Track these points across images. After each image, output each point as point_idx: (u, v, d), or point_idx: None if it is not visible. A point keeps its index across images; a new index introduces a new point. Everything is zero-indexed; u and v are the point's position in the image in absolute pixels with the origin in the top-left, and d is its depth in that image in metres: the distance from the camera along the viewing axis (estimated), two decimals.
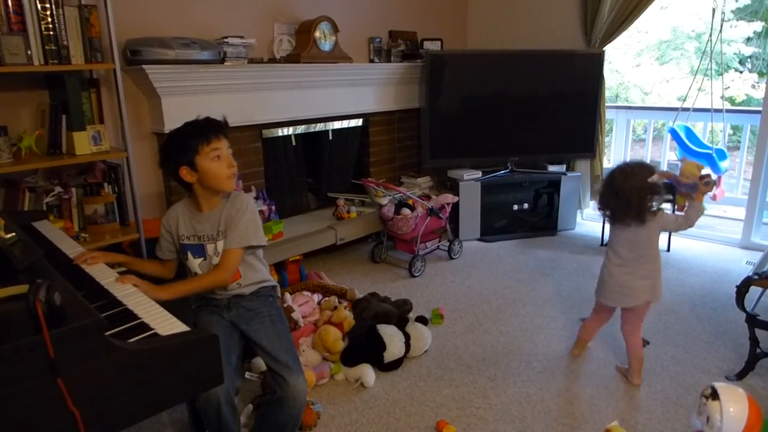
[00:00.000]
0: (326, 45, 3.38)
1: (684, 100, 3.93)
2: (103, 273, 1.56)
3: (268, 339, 1.74)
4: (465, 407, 2.14)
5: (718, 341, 2.58)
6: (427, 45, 4.25)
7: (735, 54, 8.02)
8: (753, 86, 8.00)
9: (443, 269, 3.53)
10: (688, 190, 2.14)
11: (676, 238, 3.76)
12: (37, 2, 2.17)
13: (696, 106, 3.92)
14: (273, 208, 3.29)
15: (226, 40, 2.95)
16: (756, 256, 3.30)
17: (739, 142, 4.99)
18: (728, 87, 7.65)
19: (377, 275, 3.46)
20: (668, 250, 3.71)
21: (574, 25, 4.13)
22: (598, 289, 2.31)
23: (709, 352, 2.49)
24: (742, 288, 2.18)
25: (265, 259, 1.91)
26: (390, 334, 2.41)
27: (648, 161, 4.47)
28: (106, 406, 1.05)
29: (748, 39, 8.05)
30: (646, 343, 2.23)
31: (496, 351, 2.54)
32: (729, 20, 7.39)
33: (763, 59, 8.05)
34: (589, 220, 4.44)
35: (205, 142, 1.65)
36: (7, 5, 2.10)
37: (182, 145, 1.66)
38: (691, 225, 2.14)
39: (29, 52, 2.17)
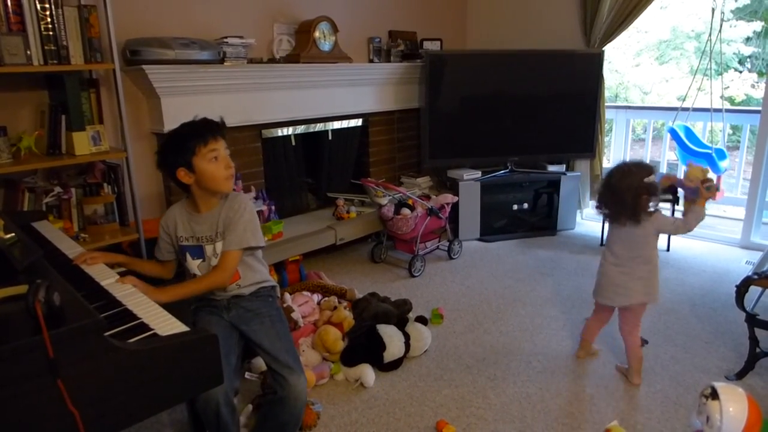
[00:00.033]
0: (326, 45, 3.38)
1: (683, 100, 3.93)
2: (102, 273, 1.56)
3: (268, 339, 1.74)
4: (465, 407, 2.14)
5: (717, 341, 2.58)
6: (427, 45, 4.25)
7: (734, 54, 8.02)
8: (752, 86, 8.01)
9: (443, 269, 3.53)
10: (692, 195, 2.12)
11: (675, 238, 3.76)
12: (37, 2, 2.17)
13: (695, 106, 3.93)
14: (272, 208, 3.29)
15: (225, 40, 2.95)
16: (755, 256, 3.30)
17: (739, 141, 5.00)
18: (728, 87, 7.66)
19: (377, 275, 3.46)
20: (668, 249, 3.71)
21: (573, 25, 4.13)
22: (595, 287, 2.32)
23: (709, 352, 2.49)
24: (742, 287, 2.18)
25: (264, 260, 1.91)
26: (390, 334, 2.41)
27: (648, 161, 4.48)
28: (105, 406, 1.05)
29: (748, 39, 8.06)
30: (644, 342, 2.24)
31: (495, 351, 2.54)
32: (728, 20, 7.40)
33: (763, 59, 8.06)
34: (588, 220, 4.44)
35: (202, 144, 1.64)
36: (6, 5, 2.10)
37: (179, 147, 1.65)
38: (689, 230, 2.13)
39: (29, 52, 2.17)
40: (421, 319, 2.66)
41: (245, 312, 1.79)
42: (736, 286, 2.20)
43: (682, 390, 2.22)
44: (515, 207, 4.12)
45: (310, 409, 2.02)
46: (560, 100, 4.01)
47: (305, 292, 2.81)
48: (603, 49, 3.98)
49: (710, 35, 3.65)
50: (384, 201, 3.55)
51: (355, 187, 3.91)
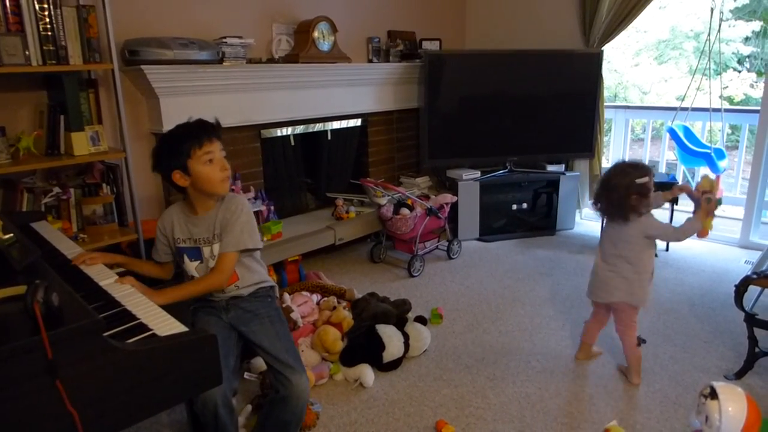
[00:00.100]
0: (325, 45, 3.38)
1: (683, 100, 3.93)
2: (101, 274, 1.56)
3: (268, 339, 1.73)
4: (464, 407, 2.14)
5: (716, 340, 2.58)
6: (426, 45, 4.25)
7: (733, 53, 8.03)
8: (751, 85, 8.02)
9: (442, 269, 3.53)
10: (698, 206, 2.10)
11: None
12: (35, 3, 2.16)
13: (694, 106, 3.93)
14: (272, 208, 3.29)
15: (224, 40, 2.95)
16: (755, 256, 3.30)
17: (738, 141, 5.00)
18: (727, 86, 7.67)
19: (376, 275, 3.46)
20: (667, 249, 3.71)
21: (572, 25, 4.13)
22: (588, 284, 2.34)
23: (708, 352, 2.49)
24: (741, 287, 2.18)
25: (263, 260, 1.91)
26: (389, 334, 2.41)
27: (647, 161, 4.49)
28: (104, 406, 1.05)
29: (747, 38, 8.07)
30: (642, 341, 2.23)
31: (495, 351, 2.54)
32: (727, 20, 7.41)
33: (762, 59, 8.07)
34: (587, 220, 4.45)
35: (197, 146, 1.62)
36: (5, 6, 2.10)
37: (174, 150, 1.64)
38: (678, 239, 2.14)
39: (27, 52, 2.17)
40: (421, 319, 2.66)
41: (244, 313, 1.79)
42: (735, 286, 2.20)
43: (681, 390, 2.22)
44: (514, 207, 4.12)
45: (310, 410, 2.02)
46: (559, 100, 4.01)
47: (304, 292, 2.81)
48: (602, 48, 3.98)
49: (709, 35, 3.65)
50: (383, 201, 3.55)
51: (355, 187, 3.91)
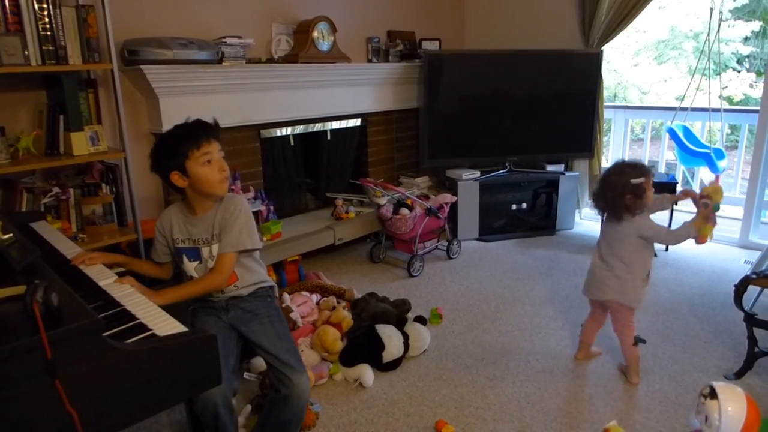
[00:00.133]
0: (324, 45, 3.38)
1: (682, 100, 3.93)
2: (101, 274, 1.56)
3: (268, 339, 1.73)
4: (464, 407, 2.14)
5: (716, 340, 2.58)
6: (426, 45, 4.25)
7: (733, 53, 8.04)
8: (751, 86, 8.02)
9: (442, 269, 3.53)
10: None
11: None
12: (35, 2, 2.16)
13: (694, 106, 3.92)
14: (271, 208, 3.29)
15: (224, 40, 2.95)
16: (754, 255, 3.30)
17: (737, 141, 5.00)
18: (726, 86, 7.67)
19: (376, 275, 3.46)
20: (666, 249, 3.72)
21: (572, 25, 4.13)
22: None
23: (708, 352, 2.49)
24: (741, 287, 2.19)
25: (262, 260, 1.91)
26: (389, 334, 2.41)
27: (646, 161, 4.49)
28: (104, 406, 1.04)
29: (746, 38, 8.08)
30: (640, 341, 2.23)
31: (494, 351, 2.54)
32: (727, 20, 7.40)
33: (761, 59, 8.07)
34: (587, 220, 4.45)
35: (195, 147, 1.62)
36: (4, 5, 2.10)
37: (172, 150, 1.63)
38: (670, 242, 2.15)
39: (26, 52, 2.17)
40: (420, 319, 2.66)
41: (244, 313, 1.79)
42: (735, 286, 2.20)
43: (680, 389, 2.22)
44: (514, 207, 4.12)
45: (309, 410, 2.01)
46: (559, 100, 4.01)
47: (304, 292, 2.81)
48: (602, 48, 3.98)
49: (709, 35, 3.65)
50: (383, 201, 3.55)
51: (354, 187, 3.91)
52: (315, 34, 3.31)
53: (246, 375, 2.24)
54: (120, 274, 1.56)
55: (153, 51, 2.61)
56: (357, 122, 3.88)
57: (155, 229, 1.81)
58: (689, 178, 4.57)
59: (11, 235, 1.46)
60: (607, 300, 2.23)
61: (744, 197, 3.83)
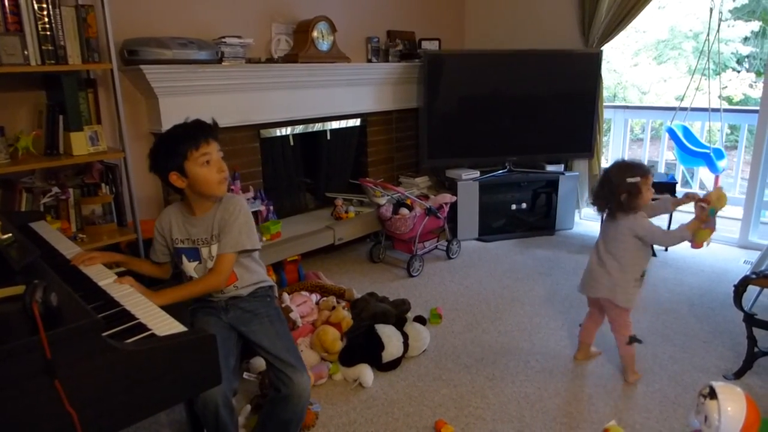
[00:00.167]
0: (324, 45, 3.38)
1: (682, 100, 3.93)
2: (100, 274, 1.56)
3: (268, 339, 1.73)
4: (463, 407, 2.14)
5: (716, 340, 2.58)
6: (425, 45, 4.25)
7: (732, 53, 8.04)
8: (750, 86, 8.03)
9: (441, 269, 3.53)
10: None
11: None
12: (34, 2, 2.16)
13: (694, 106, 3.93)
14: (271, 208, 3.29)
15: (223, 39, 2.95)
16: (754, 256, 3.30)
17: (737, 141, 5.00)
18: (726, 86, 7.67)
19: (375, 275, 3.46)
20: (666, 249, 3.72)
21: (571, 25, 4.13)
22: None
23: (707, 352, 2.49)
24: (740, 287, 2.19)
25: (261, 260, 1.91)
26: (388, 334, 2.41)
27: (646, 161, 4.49)
28: (103, 406, 1.04)
29: (746, 38, 8.08)
30: (636, 341, 2.23)
31: (494, 350, 2.54)
32: (726, 20, 7.40)
33: (761, 59, 8.07)
34: (587, 220, 4.45)
35: (194, 148, 1.61)
36: (3, 5, 2.10)
37: (170, 151, 1.62)
38: (664, 243, 2.15)
39: (26, 52, 2.17)
40: (420, 319, 2.66)
41: (243, 313, 1.79)
42: (734, 286, 2.20)
43: (680, 389, 2.22)
44: (513, 207, 4.12)
45: (309, 410, 2.01)
46: (558, 100, 4.01)
47: (304, 292, 2.81)
48: (601, 48, 3.98)
49: (708, 35, 3.65)
50: (382, 201, 3.55)
51: (354, 187, 3.91)
52: (315, 33, 3.31)
53: (246, 375, 2.24)
54: (119, 274, 1.56)
55: (153, 51, 2.61)
56: (357, 122, 3.88)
57: (154, 229, 1.80)
58: (689, 178, 4.57)
59: (10, 234, 1.46)
60: (599, 297, 2.24)
61: (743, 197, 3.83)
